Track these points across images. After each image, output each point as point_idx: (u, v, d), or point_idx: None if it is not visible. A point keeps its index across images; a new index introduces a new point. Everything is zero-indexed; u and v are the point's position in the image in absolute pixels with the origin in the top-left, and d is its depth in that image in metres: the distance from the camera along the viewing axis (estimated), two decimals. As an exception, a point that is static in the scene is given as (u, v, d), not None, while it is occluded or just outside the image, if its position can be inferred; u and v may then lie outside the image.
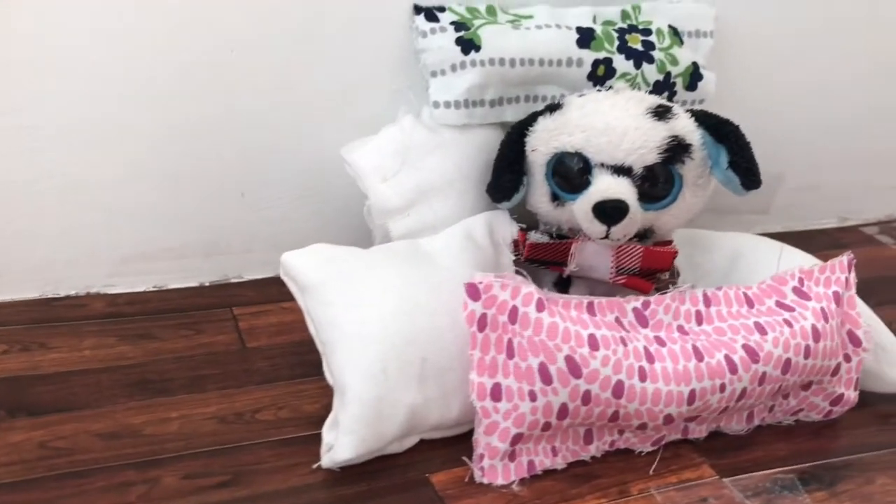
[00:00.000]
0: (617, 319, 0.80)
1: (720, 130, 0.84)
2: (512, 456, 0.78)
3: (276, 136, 0.96)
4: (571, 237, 0.88)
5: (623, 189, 0.82)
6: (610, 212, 0.81)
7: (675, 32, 1.00)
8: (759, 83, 1.20)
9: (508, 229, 0.91)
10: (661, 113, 0.84)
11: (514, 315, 0.77)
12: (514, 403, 0.77)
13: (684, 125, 0.85)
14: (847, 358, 0.90)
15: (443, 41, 0.91)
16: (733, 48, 1.13)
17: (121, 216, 0.94)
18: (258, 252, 1.00)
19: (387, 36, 0.95)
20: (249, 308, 0.97)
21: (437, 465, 0.78)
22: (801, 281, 0.88)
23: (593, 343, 0.76)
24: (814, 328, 0.84)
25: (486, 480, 0.77)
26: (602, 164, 0.83)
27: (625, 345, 0.78)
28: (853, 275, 0.90)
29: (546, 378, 0.75)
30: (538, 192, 0.89)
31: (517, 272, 0.79)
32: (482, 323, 0.77)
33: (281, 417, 0.81)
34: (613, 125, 0.83)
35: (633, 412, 0.77)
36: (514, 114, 0.95)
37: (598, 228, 0.83)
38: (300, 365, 0.88)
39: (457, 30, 0.92)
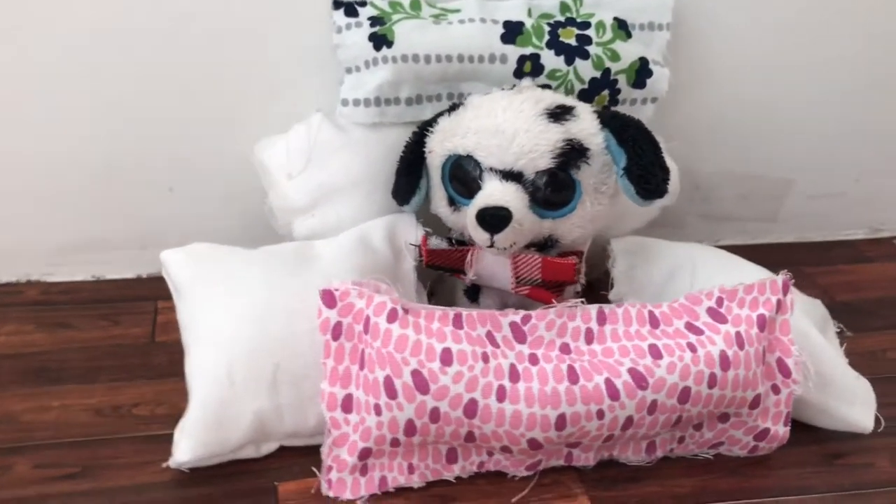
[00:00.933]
0: (489, 334, 0.75)
1: (622, 133, 0.77)
2: (364, 470, 0.75)
3: (202, 134, 0.96)
4: (471, 244, 0.84)
5: (508, 196, 0.77)
6: (490, 220, 0.76)
7: (620, 26, 0.92)
8: (765, 77, 1.09)
9: (413, 233, 0.87)
10: (558, 114, 0.78)
11: (367, 324, 0.73)
12: (362, 416, 0.73)
13: (583, 127, 0.78)
14: (775, 389, 0.81)
15: (357, 37, 0.88)
16: (725, 38, 1.04)
17: (55, 206, 0.97)
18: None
19: (311, 32, 0.92)
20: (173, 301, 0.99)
21: (291, 473, 0.76)
22: (719, 301, 0.79)
23: (447, 358, 0.72)
24: (722, 355, 0.76)
25: (332, 494, 0.74)
26: (492, 169, 0.78)
27: (486, 361, 0.73)
28: (790, 297, 0.81)
29: (391, 392, 0.71)
30: (437, 196, 0.84)
31: (377, 279, 0.75)
32: (337, 331, 0.74)
33: (156, 414, 0.82)
34: (503, 127, 0.77)
35: (489, 434, 0.72)
36: (434, 112, 0.91)
37: (482, 236, 0.78)
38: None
39: (372, 25, 0.89)
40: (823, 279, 1.15)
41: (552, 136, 0.77)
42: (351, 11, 0.90)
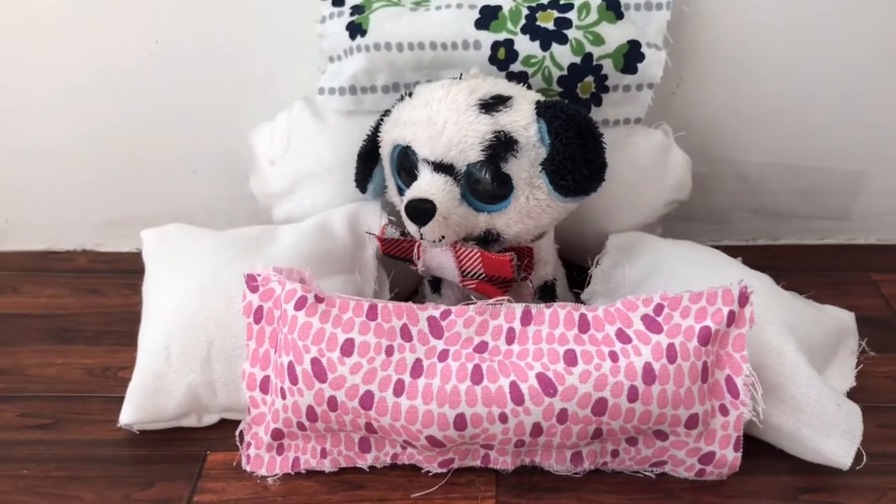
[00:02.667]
0: (404, 327, 0.75)
1: (550, 125, 0.73)
2: (280, 449, 0.78)
3: (212, 121, 1.02)
4: (422, 234, 0.83)
5: (434, 189, 0.75)
6: (414, 212, 0.76)
7: (609, 6, 0.86)
8: (823, 65, 0.97)
9: (376, 221, 0.88)
10: (490, 105, 0.75)
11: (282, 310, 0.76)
12: (273, 398, 0.76)
13: (514, 119, 0.74)
14: (724, 410, 0.73)
15: (337, 26, 0.90)
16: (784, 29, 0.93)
17: (100, 186, 1.08)
18: (220, 224, 1.08)
19: (306, 20, 0.95)
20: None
21: (224, 445, 0.80)
22: (658, 309, 0.73)
23: (347, 349, 0.72)
24: (646, 368, 0.70)
25: (249, 468, 0.78)
26: (425, 160, 0.77)
27: (389, 354, 0.73)
28: (749, 309, 0.72)
29: (293, 377, 0.73)
30: (390, 185, 0.84)
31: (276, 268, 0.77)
32: (258, 315, 0.77)
33: (136, 378, 0.90)
34: (434, 118, 0.76)
35: (387, 427, 0.72)
36: (413, 100, 0.91)
37: (411, 228, 0.77)
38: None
39: (352, 14, 0.90)
40: (890, 288, 1.01)
41: (480, 128, 0.74)
42: (338, 1, 0.92)
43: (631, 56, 0.86)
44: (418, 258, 0.83)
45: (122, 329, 0.97)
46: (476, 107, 0.75)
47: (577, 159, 0.72)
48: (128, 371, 0.89)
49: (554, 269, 0.88)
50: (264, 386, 0.78)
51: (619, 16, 0.87)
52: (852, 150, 1.03)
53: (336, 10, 0.91)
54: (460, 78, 0.80)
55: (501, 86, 0.78)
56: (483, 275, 0.80)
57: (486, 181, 0.76)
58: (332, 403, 0.73)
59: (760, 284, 0.82)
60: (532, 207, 0.77)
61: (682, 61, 0.95)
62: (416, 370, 0.73)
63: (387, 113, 0.84)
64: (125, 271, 1.08)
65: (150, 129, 1.04)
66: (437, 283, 0.89)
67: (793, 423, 0.75)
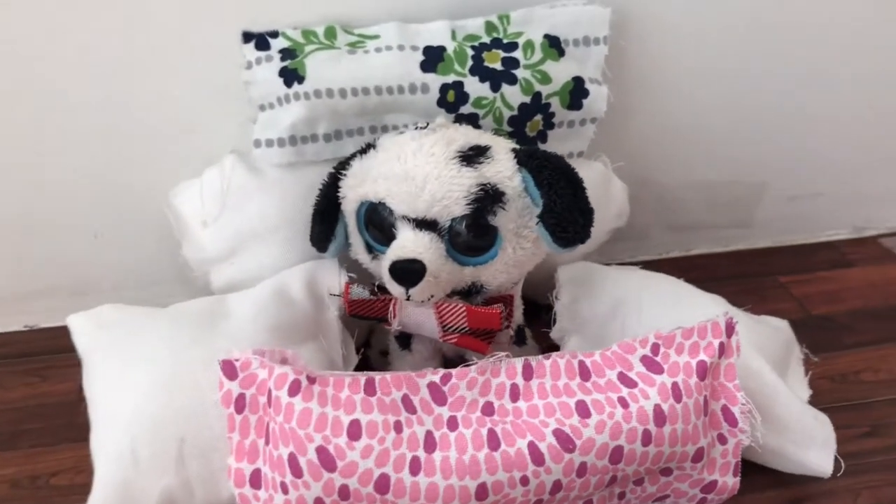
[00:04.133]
0: (405, 398, 0.70)
1: (538, 175, 0.71)
2: (278, 547, 0.72)
3: (120, 176, 0.91)
4: (394, 292, 0.79)
5: (421, 247, 0.72)
6: (402, 274, 0.71)
7: (552, 44, 0.86)
8: (725, 83, 1.02)
9: (336, 280, 0.82)
10: (472, 157, 0.72)
11: (270, 398, 0.69)
12: (270, 494, 0.69)
13: (498, 170, 0.72)
14: (722, 439, 0.75)
15: (267, 72, 0.83)
16: (676, 45, 0.96)
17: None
18: (130, 290, 0.98)
19: (226, 66, 0.87)
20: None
21: (207, 550, 0.73)
22: (654, 349, 0.74)
23: (354, 431, 0.67)
24: (657, 410, 0.71)
25: (246, 573, 0.71)
26: (404, 217, 0.73)
27: (398, 431, 0.68)
28: (735, 339, 0.75)
29: (296, 470, 0.67)
30: (355, 243, 0.79)
31: (284, 346, 0.71)
32: (240, 404, 0.70)
33: (75, 483, 0.79)
34: (413, 174, 0.72)
35: (405, 509, 0.68)
36: (356, 147, 0.85)
37: (397, 290, 0.73)
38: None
39: (283, 58, 0.83)
40: (799, 289, 1.08)
41: (465, 182, 0.71)
42: (262, 44, 0.85)
43: (576, 92, 0.86)
44: (394, 317, 0.79)
45: (37, 426, 0.85)
46: (456, 160, 0.72)
47: (573, 209, 0.71)
48: (61, 477, 0.79)
49: (521, 312, 0.87)
50: (255, 481, 0.70)
51: (561, 53, 0.86)
52: (754, 162, 1.09)
53: (263, 54, 0.84)
54: (426, 127, 0.77)
55: (474, 135, 0.76)
56: (466, 328, 0.77)
57: (471, 235, 0.73)
58: (344, 492, 0.67)
59: (722, 309, 0.86)
60: (519, 257, 0.75)
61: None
62: (430, 444, 0.69)
63: (342, 167, 0.78)
64: (21, 356, 0.95)
65: (45, 188, 0.91)
66: (406, 340, 0.85)
67: (778, 441, 0.78)
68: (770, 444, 0.78)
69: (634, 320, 0.83)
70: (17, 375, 0.92)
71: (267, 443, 0.69)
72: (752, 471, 0.81)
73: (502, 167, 0.72)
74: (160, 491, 0.70)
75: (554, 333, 0.86)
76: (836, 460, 0.79)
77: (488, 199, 0.71)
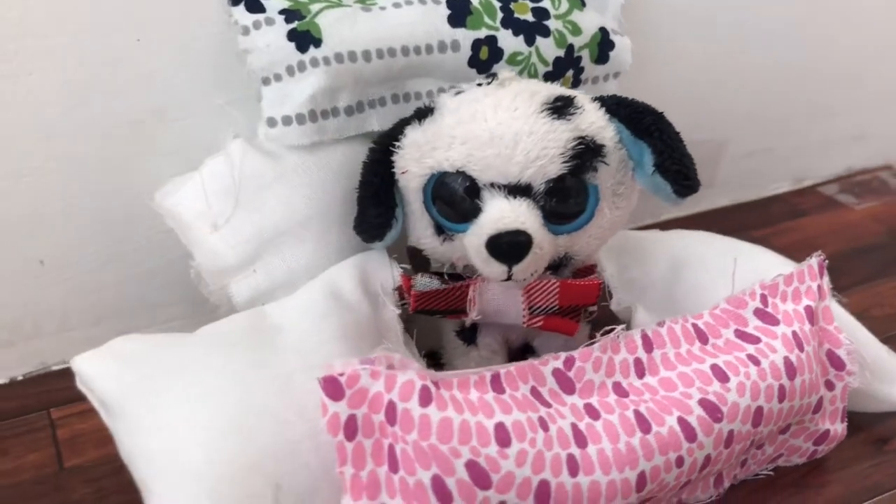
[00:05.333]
0: (534, 390, 0.60)
1: (639, 123, 0.64)
2: None
3: (68, 185, 0.73)
4: (468, 277, 0.68)
5: (523, 215, 0.62)
6: (507, 248, 0.61)
7: (574, -8, 0.79)
8: (685, 39, 1.00)
9: (388, 274, 0.70)
10: (561, 108, 0.63)
11: (392, 413, 0.56)
12: (405, 532, 0.57)
13: (592, 120, 0.64)
14: (829, 385, 0.72)
15: (271, 37, 0.69)
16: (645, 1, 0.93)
17: None
18: (79, 329, 0.78)
19: (202, 36, 0.72)
20: (73, 406, 0.74)
21: None
22: (763, 299, 0.69)
23: (503, 436, 0.56)
24: (787, 362, 0.66)
25: None
26: (492, 185, 0.62)
27: (545, 429, 0.58)
28: (826, 279, 0.72)
29: (443, 496, 0.55)
30: (419, 225, 0.68)
31: (386, 349, 0.58)
32: (351, 428, 0.56)
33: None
34: (499, 132, 0.62)
35: (566, 517, 0.58)
36: (380, 120, 0.74)
37: (496, 269, 0.62)
38: (133, 488, 0.65)
39: (288, 20, 0.69)
40: (777, 241, 1.09)
41: (561, 136, 0.62)
42: (255, 6, 0.70)
43: (604, 44, 0.80)
44: (473, 306, 0.68)
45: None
46: (546, 112, 0.63)
47: (687, 155, 0.64)
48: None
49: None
50: (378, 521, 0.57)
51: (583, 2, 0.80)
52: (715, 120, 1.09)
53: (260, 17, 0.70)
54: (491, 82, 0.67)
55: (553, 87, 0.67)
56: (556, 307, 0.68)
57: (567, 197, 0.64)
58: (501, 512, 0.56)
59: (771, 254, 0.83)
60: (615, 218, 0.67)
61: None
62: (579, 438, 0.59)
63: (392, 138, 0.67)
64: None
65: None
66: (472, 334, 0.73)
67: (865, 380, 0.76)
68: (861, 385, 0.76)
69: (701, 278, 0.77)
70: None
71: (394, 470, 0.56)
72: (832, 418, 0.79)
73: (594, 117, 0.64)
74: (259, 556, 0.55)
75: (614, 306, 0.79)
76: (915, 393, 0.78)
77: (588, 153, 0.63)
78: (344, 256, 0.70)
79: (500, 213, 0.62)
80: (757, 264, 0.78)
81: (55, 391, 0.77)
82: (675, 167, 0.63)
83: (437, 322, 0.75)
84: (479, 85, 0.67)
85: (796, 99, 1.15)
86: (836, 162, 1.26)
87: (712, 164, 1.13)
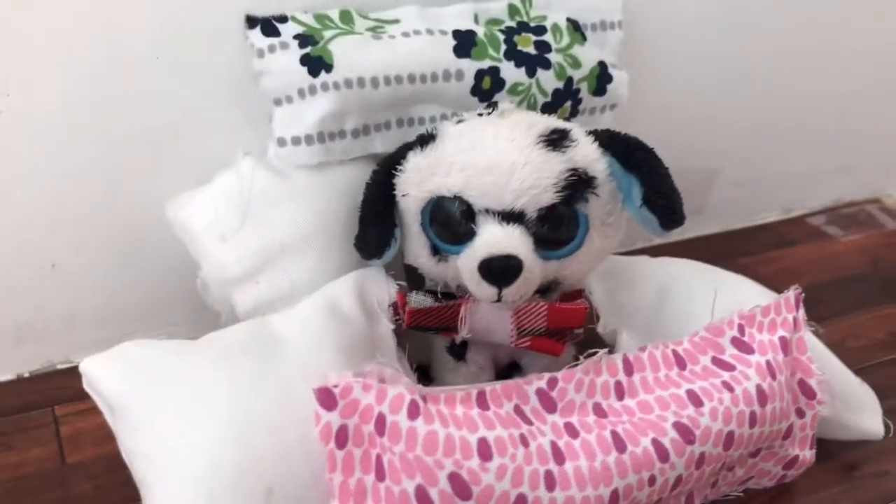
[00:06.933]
0: (517, 408, 0.64)
1: (630, 157, 0.68)
2: None
3: (81, 193, 0.76)
4: (461, 296, 0.71)
5: (514, 241, 0.65)
6: (498, 271, 0.65)
7: (575, 27, 0.83)
8: (680, 71, 1.04)
9: (385, 290, 0.73)
10: (556, 140, 0.67)
11: (381, 424, 0.60)
12: (389, 538, 0.60)
13: (586, 153, 0.68)
14: (800, 413, 0.75)
15: (285, 61, 0.73)
16: (644, 35, 0.96)
17: None
18: (85, 330, 0.82)
19: (218, 56, 0.76)
20: (75, 404, 0.78)
21: None
22: (741, 329, 0.73)
23: (485, 451, 0.60)
24: (759, 389, 0.69)
25: None
26: (487, 210, 0.66)
27: (526, 445, 0.61)
28: (802, 311, 0.75)
29: (426, 505, 0.59)
30: (415, 245, 0.71)
31: (380, 363, 0.62)
32: (342, 437, 0.60)
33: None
34: (497, 161, 0.65)
35: (542, 530, 0.62)
36: (384, 143, 0.77)
37: (487, 291, 0.66)
38: (132, 486, 0.68)
39: (302, 45, 0.73)
40: (761, 269, 1.12)
41: (554, 167, 0.66)
42: (270, 30, 0.74)
43: (602, 77, 0.83)
44: (463, 324, 0.71)
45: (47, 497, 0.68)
46: (542, 143, 0.66)
47: (673, 190, 0.67)
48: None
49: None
50: (364, 526, 0.60)
51: (584, 37, 0.83)
52: (707, 148, 1.12)
53: (276, 41, 0.74)
54: (491, 113, 0.70)
55: (550, 119, 0.70)
56: (543, 329, 0.72)
57: (556, 226, 0.67)
58: (480, 522, 0.59)
59: (753, 285, 0.86)
60: (604, 246, 0.71)
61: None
62: (558, 455, 0.62)
63: (395, 162, 0.70)
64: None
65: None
66: (462, 350, 0.77)
67: (836, 409, 0.80)
68: (830, 414, 0.80)
69: (685, 306, 0.81)
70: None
71: (380, 479, 0.60)
72: (805, 445, 0.82)
73: (588, 150, 0.68)
74: (250, 555, 0.58)
75: (600, 329, 0.82)
76: (885, 423, 0.81)
77: (580, 184, 0.66)
78: (344, 272, 0.74)
79: (493, 238, 0.66)
80: (738, 294, 0.81)
81: (60, 389, 0.81)
82: (662, 201, 0.66)
83: (428, 337, 0.79)
84: (480, 114, 0.71)
85: (785, 130, 1.18)
86: (823, 193, 1.29)
87: (703, 191, 1.17)
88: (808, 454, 0.76)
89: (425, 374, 0.80)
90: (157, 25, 0.72)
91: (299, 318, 0.69)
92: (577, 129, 0.70)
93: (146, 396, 0.61)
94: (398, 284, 0.73)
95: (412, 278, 0.76)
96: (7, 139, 0.72)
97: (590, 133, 0.70)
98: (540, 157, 0.66)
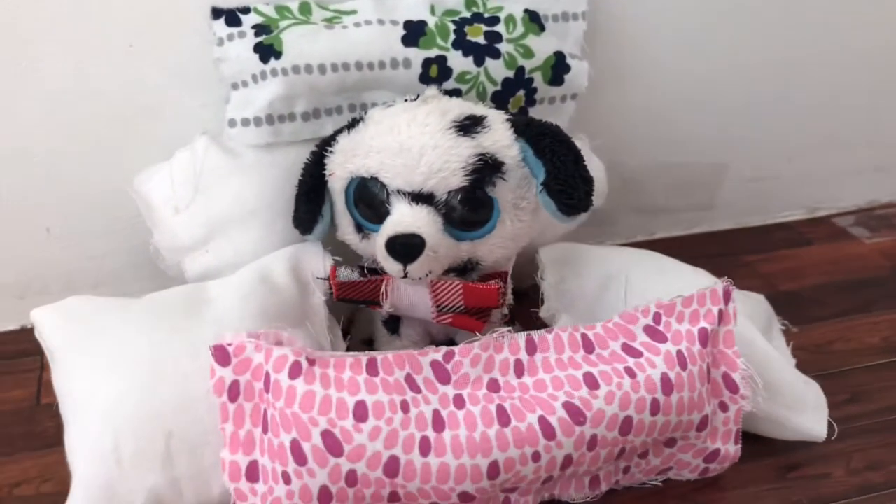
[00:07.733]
0: (408, 377, 0.67)
1: (539, 143, 0.70)
2: (279, 543, 0.67)
3: (76, 165, 0.85)
4: (385, 273, 0.76)
5: (420, 220, 0.69)
6: (402, 249, 0.68)
7: (532, 18, 0.85)
8: (691, 60, 1.03)
9: (320, 264, 0.78)
10: (468, 126, 0.70)
11: (267, 382, 0.65)
12: (270, 486, 0.65)
13: (496, 139, 0.70)
14: (723, 406, 0.75)
15: (241, 49, 0.79)
16: (645, 24, 0.97)
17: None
18: (80, 290, 0.90)
19: (190, 44, 0.83)
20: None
21: (200, 552, 0.68)
22: (656, 318, 0.73)
23: (361, 413, 0.64)
24: (664, 378, 0.70)
25: (247, 574, 0.66)
26: (399, 191, 0.70)
27: (405, 411, 0.65)
28: (732, 306, 0.75)
29: (300, 458, 0.63)
30: (343, 222, 0.76)
31: (277, 328, 0.67)
32: (234, 392, 0.66)
33: (43, 492, 0.72)
34: (408, 145, 0.69)
35: (416, 492, 0.65)
36: (336, 127, 0.81)
37: (393, 267, 0.70)
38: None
39: (257, 34, 0.79)
40: (765, 267, 1.10)
41: (463, 152, 0.69)
42: (233, 20, 0.81)
43: (558, 67, 0.85)
44: (385, 299, 0.75)
45: (15, 430, 0.78)
46: (452, 129, 0.70)
47: (575, 177, 0.69)
48: (26, 487, 0.73)
49: (511, 290, 0.85)
50: (252, 473, 0.66)
51: (542, 28, 0.85)
52: (716, 143, 1.11)
53: (235, 30, 0.80)
54: (416, 99, 0.74)
55: (467, 105, 0.73)
56: (462, 307, 0.75)
57: (468, 208, 0.70)
58: (352, 478, 0.64)
59: (709, 279, 0.85)
60: (517, 230, 0.73)
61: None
62: (438, 423, 0.66)
63: (327, 143, 0.75)
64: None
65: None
66: (395, 324, 0.81)
67: (772, 408, 0.78)
68: (765, 410, 0.78)
69: (624, 294, 0.82)
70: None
71: (265, 431, 0.65)
72: (746, 440, 0.80)
73: (500, 136, 0.70)
74: (146, 490, 0.65)
75: (543, 313, 0.84)
76: (830, 425, 0.79)
77: (487, 169, 0.69)
78: (287, 245, 0.79)
79: (399, 217, 0.70)
80: (684, 285, 0.81)
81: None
82: (559, 187, 0.68)
83: (370, 313, 0.83)
84: (406, 100, 0.75)
85: (807, 129, 1.14)
86: (856, 193, 1.24)
87: (712, 187, 1.15)
88: (731, 448, 0.76)
89: (371, 348, 0.85)
90: (131, 17, 0.80)
91: (230, 284, 0.75)
92: (495, 116, 0.73)
93: (76, 345, 0.69)
94: (334, 259, 0.78)
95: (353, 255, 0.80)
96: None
97: (508, 120, 0.72)
98: (449, 141, 0.69)
